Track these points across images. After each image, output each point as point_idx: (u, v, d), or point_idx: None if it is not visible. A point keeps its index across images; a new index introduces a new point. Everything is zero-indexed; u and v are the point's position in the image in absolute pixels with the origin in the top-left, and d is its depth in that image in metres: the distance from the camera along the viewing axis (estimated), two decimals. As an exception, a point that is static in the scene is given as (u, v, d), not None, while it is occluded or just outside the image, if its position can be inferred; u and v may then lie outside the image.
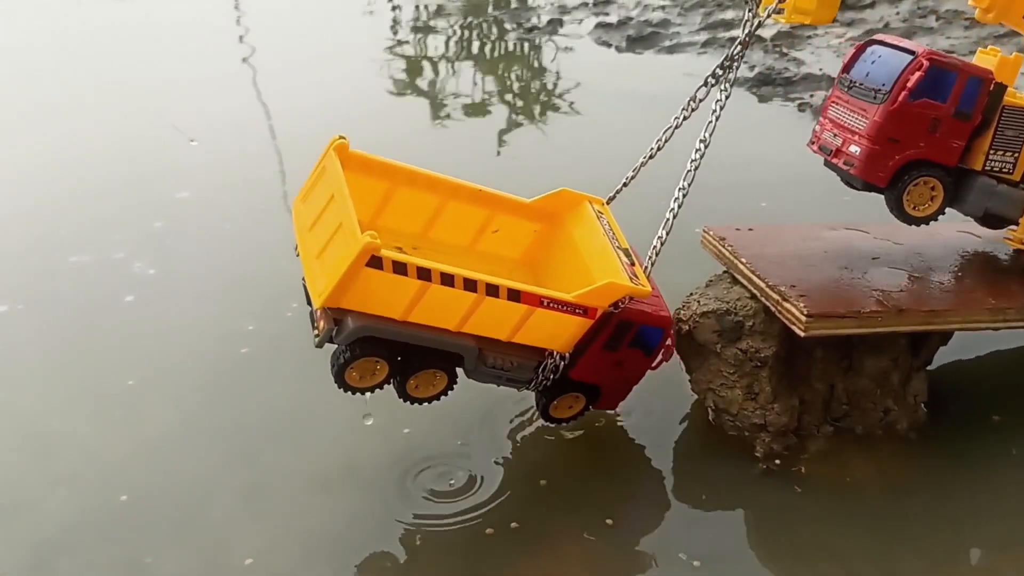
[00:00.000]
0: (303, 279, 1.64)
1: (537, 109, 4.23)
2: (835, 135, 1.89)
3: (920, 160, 1.81)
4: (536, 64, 4.95)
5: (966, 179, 1.85)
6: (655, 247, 1.74)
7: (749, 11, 1.78)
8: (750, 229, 2.12)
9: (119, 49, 4.89)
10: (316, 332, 1.58)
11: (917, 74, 1.76)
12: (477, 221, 1.86)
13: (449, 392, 1.71)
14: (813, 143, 1.97)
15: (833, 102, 1.93)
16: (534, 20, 5.47)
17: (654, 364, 1.81)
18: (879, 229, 2.16)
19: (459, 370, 1.69)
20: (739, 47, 1.78)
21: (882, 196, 1.89)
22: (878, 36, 1.93)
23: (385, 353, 1.61)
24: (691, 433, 1.96)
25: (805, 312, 1.74)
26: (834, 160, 1.90)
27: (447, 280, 1.55)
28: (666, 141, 1.84)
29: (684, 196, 1.74)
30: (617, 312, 1.68)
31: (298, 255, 1.67)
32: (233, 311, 2.37)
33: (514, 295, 1.60)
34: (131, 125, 3.74)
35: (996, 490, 1.80)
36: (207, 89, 4.19)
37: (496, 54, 5.12)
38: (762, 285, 1.86)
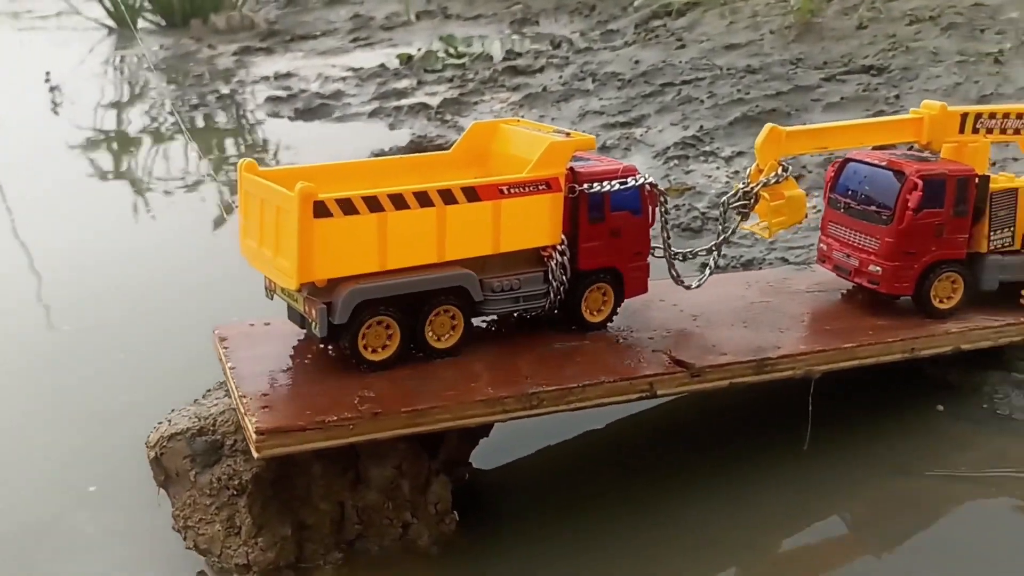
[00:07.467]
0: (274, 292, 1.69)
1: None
2: (848, 256, 2.03)
3: (936, 262, 1.98)
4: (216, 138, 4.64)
5: (978, 262, 2.04)
6: None
7: (726, 220, 1.96)
8: (266, 324, 1.86)
9: None
10: (312, 323, 1.55)
11: (916, 193, 1.91)
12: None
13: (469, 337, 1.69)
14: (824, 262, 2.10)
15: (832, 221, 2.07)
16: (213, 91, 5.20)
17: (650, 220, 1.82)
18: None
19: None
20: (716, 248, 1.98)
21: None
22: (850, 155, 2.07)
23: (390, 311, 1.57)
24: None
25: (256, 428, 1.46)
26: (856, 279, 2.03)
27: (398, 202, 1.53)
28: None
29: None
30: (576, 182, 1.72)
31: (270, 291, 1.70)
32: None
33: (470, 192, 1.59)
34: None
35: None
36: None
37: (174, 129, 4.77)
38: (236, 395, 1.57)
